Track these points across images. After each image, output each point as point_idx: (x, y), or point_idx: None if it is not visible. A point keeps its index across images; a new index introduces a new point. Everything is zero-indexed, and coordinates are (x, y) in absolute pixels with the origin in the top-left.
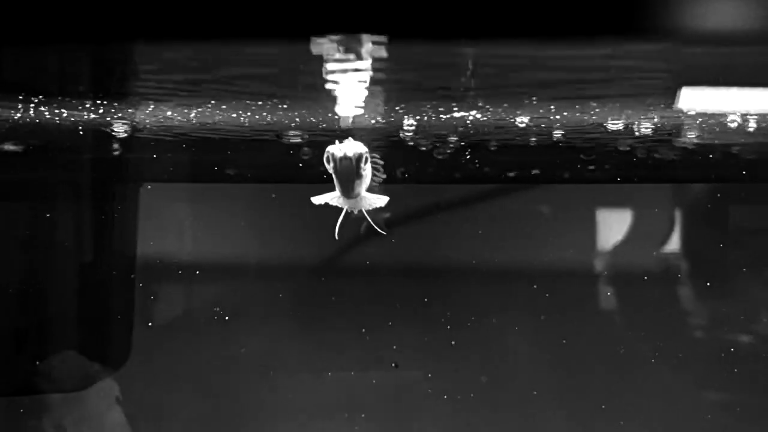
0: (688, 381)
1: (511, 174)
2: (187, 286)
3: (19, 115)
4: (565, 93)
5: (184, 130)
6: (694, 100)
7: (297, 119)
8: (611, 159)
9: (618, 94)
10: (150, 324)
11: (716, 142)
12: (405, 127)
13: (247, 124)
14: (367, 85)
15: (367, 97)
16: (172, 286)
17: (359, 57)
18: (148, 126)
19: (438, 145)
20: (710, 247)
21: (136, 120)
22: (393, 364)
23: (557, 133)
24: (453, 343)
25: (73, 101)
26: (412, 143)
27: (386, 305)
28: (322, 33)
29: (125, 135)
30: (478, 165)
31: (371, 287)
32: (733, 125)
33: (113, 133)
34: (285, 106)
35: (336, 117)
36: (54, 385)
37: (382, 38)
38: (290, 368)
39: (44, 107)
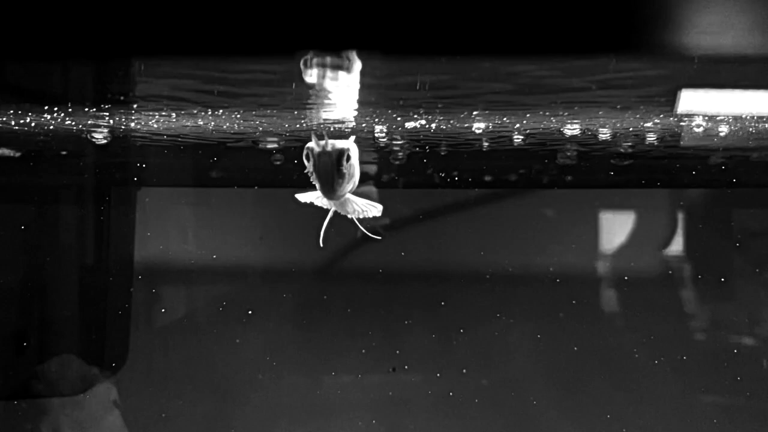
0: (692, 385)
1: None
2: (185, 290)
3: (16, 120)
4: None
5: (179, 135)
6: (694, 103)
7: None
8: (612, 164)
9: (616, 98)
10: (148, 327)
11: (718, 145)
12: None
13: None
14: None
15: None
16: (170, 290)
17: (344, 70)
18: (144, 132)
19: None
20: (713, 251)
21: (132, 126)
22: (391, 369)
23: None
24: (455, 346)
25: (70, 108)
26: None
27: (387, 308)
28: (305, 48)
29: (122, 140)
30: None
31: (372, 290)
32: (734, 128)
33: (108, 139)
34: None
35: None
36: (52, 388)
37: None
38: (290, 371)
39: (43, 114)
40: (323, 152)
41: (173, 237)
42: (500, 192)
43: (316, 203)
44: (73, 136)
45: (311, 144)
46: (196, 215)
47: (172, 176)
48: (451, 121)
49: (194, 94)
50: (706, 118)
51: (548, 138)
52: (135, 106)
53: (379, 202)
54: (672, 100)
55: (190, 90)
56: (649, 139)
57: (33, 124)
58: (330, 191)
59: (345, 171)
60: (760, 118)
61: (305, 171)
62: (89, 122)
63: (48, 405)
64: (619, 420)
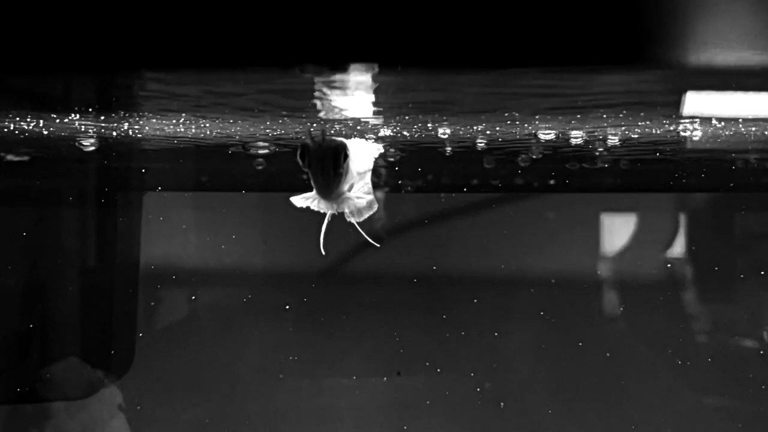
0: (694, 387)
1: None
2: (189, 294)
3: (23, 126)
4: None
5: (182, 141)
6: (698, 105)
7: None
8: (616, 167)
9: (621, 103)
10: (153, 331)
11: (721, 147)
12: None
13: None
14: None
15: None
16: (175, 294)
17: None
18: (147, 137)
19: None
20: (715, 254)
21: (137, 131)
22: (397, 372)
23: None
24: (456, 348)
25: (74, 114)
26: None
27: (388, 311)
28: (311, 62)
29: (127, 146)
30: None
31: (374, 294)
32: (739, 131)
33: (113, 144)
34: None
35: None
36: (57, 392)
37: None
38: (294, 375)
39: (47, 119)
40: (319, 149)
41: (178, 241)
42: (505, 196)
43: (312, 207)
44: (74, 143)
45: (306, 141)
46: (200, 219)
47: (177, 180)
48: (461, 131)
49: (197, 99)
50: (709, 120)
51: (560, 145)
52: (138, 112)
53: (381, 205)
54: (677, 102)
55: (195, 96)
56: (651, 142)
57: (43, 129)
58: (326, 191)
59: (341, 170)
60: (762, 120)
61: (302, 168)
62: (91, 128)
63: (53, 409)
64: (621, 422)
